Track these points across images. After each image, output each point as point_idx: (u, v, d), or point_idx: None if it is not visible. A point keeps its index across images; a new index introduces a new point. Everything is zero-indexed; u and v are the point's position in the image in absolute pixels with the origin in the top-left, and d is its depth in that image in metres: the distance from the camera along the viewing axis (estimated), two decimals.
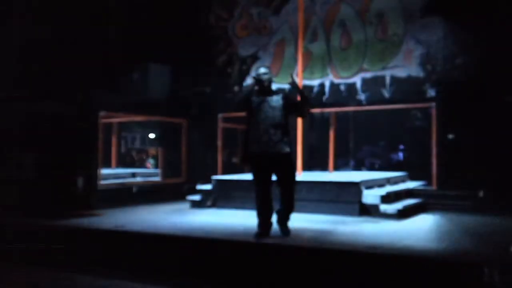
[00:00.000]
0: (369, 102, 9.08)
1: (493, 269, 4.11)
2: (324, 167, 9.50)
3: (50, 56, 8.31)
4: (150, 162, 13.31)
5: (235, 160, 11.33)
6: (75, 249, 6.23)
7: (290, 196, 5.74)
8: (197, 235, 5.97)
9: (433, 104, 8.33)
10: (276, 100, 5.71)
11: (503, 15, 7.64)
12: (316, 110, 9.74)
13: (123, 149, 14.02)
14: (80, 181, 8.19)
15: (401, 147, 10.94)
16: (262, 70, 5.82)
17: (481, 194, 7.52)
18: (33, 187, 7.97)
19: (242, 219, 6.93)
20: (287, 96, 5.81)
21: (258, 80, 5.75)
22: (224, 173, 9.53)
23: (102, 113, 8.81)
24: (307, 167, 9.30)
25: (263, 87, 5.76)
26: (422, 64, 8.60)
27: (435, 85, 8.43)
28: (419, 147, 9.48)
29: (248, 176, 8.79)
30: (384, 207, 7.09)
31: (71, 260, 6.13)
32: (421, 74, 8.59)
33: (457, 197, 7.73)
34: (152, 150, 13.95)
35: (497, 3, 7.73)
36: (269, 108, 5.66)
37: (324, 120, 10.08)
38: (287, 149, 5.68)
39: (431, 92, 8.45)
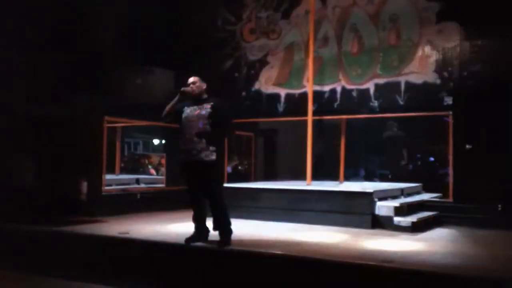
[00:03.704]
0: (383, 110, 8.76)
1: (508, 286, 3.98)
2: (333, 177, 9.20)
3: (52, 59, 8.11)
4: (152, 168, 13.04)
5: (240, 167, 11.06)
6: (78, 257, 6.02)
7: (218, 204, 5.70)
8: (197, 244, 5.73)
9: (450, 112, 8.01)
10: (204, 109, 5.71)
11: None
12: (326, 117, 9.45)
13: (126, 155, 13.77)
14: (84, 187, 7.97)
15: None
16: (191, 79, 5.86)
17: (499, 207, 7.19)
18: (33, 193, 7.72)
19: (249, 228, 6.73)
20: (217, 107, 5.74)
21: (182, 92, 5.77)
22: (231, 180, 9.23)
23: (106, 117, 8.57)
24: (316, 176, 9.00)
25: (191, 97, 5.79)
26: (438, 70, 8.28)
27: (452, 93, 8.10)
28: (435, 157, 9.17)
29: (255, 185, 8.57)
30: (398, 220, 6.81)
31: (75, 268, 5.90)
32: (437, 81, 8.27)
33: (473, 210, 7.38)
34: (154, 156, 13.71)
35: None
36: (195, 117, 5.69)
37: (334, 128, 9.76)
38: (212, 157, 5.60)
39: (448, 100, 8.14)
